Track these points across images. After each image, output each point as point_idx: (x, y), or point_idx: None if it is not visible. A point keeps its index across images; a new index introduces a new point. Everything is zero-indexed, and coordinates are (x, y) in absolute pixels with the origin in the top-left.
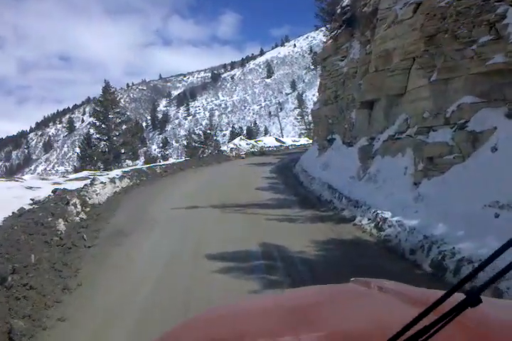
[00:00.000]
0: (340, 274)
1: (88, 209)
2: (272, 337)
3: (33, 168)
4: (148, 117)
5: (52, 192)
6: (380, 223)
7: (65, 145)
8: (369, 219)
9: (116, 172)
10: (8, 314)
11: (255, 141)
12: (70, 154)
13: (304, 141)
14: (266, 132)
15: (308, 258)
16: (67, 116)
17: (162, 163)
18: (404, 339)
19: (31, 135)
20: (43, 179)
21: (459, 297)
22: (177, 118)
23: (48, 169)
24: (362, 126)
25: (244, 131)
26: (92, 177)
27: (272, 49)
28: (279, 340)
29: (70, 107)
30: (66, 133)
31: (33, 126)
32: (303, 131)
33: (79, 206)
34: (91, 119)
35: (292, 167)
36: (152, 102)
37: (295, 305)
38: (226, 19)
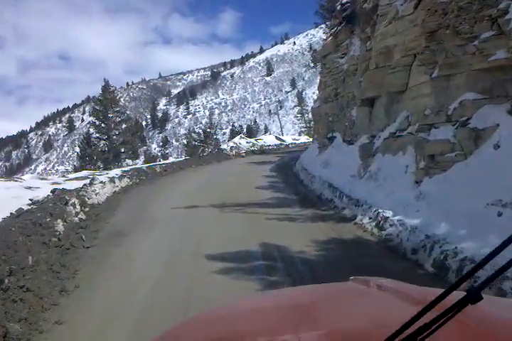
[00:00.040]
0: (341, 274)
1: (87, 209)
2: (272, 335)
3: (33, 167)
4: (148, 116)
5: (51, 192)
6: (381, 222)
7: (65, 145)
8: (370, 218)
9: (115, 172)
10: (4, 317)
11: (255, 140)
12: (70, 153)
13: (304, 139)
14: (266, 130)
15: (309, 258)
16: (67, 115)
17: (162, 162)
18: (404, 337)
19: (31, 135)
20: (42, 179)
21: (459, 295)
22: (177, 117)
23: (48, 169)
24: (362, 123)
25: (244, 130)
26: (91, 176)
27: (272, 47)
28: (279, 339)
29: (70, 106)
30: (66, 133)
31: (33, 125)
32: (303, 129)
33: (78, 206)
34: (91, 118)
35: (292, 165)
36: (152, 101)
37: (295, 303)
38: (226, 17)
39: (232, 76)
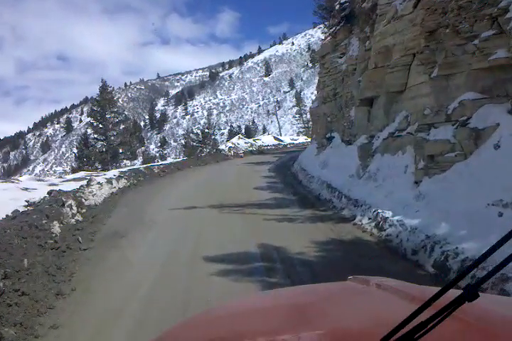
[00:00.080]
0: (341, 275)
1: (84, 210)
2: (272, 335)
3: (30, 168)
4: (146, 116)
5: (47, 193)
6: (381, 222)
7: (63, 146)
8: (369, 219)
9: (113, 173)
10: None
11: (254, 140)
12: (67, 154)
13: (302, 139)
14: (264, 131)
15: (308, 259)
16: (65, 116)
17: (160, 162)
18: (401, 335)
19: (29, 135)
20: (39, 180)
21: (456, 293)
22: (175, 117)
23: (45, 170)
24: (361, 123)
25: (243, 130)
26: (88, 177)
27: (270, 47)
28: (279, 339)
29: (68, 107)
30: (64, 134)
31: (31, 126)
32: (301, 130)
33: (74, 207)
34: (89, 119)
35: (291, 166)
36: (150, 101)
37: (294, 303)
38: (224, 17)
39: (230, 76)
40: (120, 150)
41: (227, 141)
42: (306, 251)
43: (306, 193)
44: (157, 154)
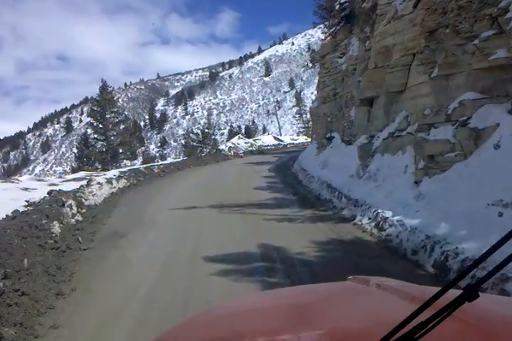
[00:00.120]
0: (341, 275)
1: (84, 210)
2: (272, 335)
3: (30, 168)
4: (146, 116)
5: (47, 193)
6: (381, 222)
7: (63, 146)
8: (369, 219)
9: (113, 173)
10: None
11: (254, 140)
12: (67, 154)
13: (302, 139)
14: (264, 131)
15: (308, 259)
16: (65, 116)
17: (160, 162)
18: (401, 335)
19: (29, 135)
20: (39, 180)
21: (456, 293)
22: (175, 117)
23: (45, 170)
24: (361, 123)
25: (243, 130)
26: (88, 177)
27: (270, 47)
28: (279, 339)
29: (68, 107)
30: (64, 134)
31: (31, 126)
32: (301, 130)
33: (74, 207)
34: (89, 119)
35: (291, 166)
36: (150, 101)
37: (294, 303)
38: (224, 17)
39: (230, 76)
40: (120, 150)
41: (227, 141)
42: (306, 251)
43: (306, 193)
44: (157, 154)
